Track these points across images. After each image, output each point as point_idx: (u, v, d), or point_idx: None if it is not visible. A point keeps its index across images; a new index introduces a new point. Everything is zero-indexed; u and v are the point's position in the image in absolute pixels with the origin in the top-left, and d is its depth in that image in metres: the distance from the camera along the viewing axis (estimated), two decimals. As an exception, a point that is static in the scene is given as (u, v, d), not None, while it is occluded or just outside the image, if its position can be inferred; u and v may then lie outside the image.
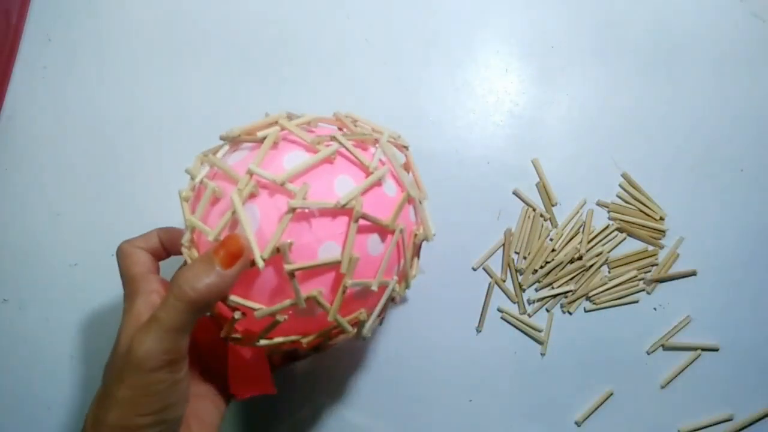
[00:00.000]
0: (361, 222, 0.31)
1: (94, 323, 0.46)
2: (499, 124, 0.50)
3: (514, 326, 0.47)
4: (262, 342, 0.33)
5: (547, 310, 0.47)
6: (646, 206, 0.48)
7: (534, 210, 0.48)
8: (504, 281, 0.47)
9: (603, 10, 0.52)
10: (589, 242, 0.47)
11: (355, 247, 0.31)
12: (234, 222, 0.30)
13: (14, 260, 0.47)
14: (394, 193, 0.34)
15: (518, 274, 0.47)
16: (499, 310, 0.47)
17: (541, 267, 0.47)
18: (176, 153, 0.49)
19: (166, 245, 0.36)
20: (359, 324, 0.34)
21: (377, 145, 0.35)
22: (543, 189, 0.49)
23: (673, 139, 0.50)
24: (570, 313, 0.47)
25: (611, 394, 0.46)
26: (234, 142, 0.34)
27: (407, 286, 0.37)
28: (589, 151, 0.49)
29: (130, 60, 0.51)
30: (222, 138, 0.34)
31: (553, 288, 0.47)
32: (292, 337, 0.33)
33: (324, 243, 0.30)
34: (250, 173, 0.30)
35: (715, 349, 0.46)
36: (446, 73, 0.51)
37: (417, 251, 0.38)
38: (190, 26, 0.51)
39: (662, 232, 0.48)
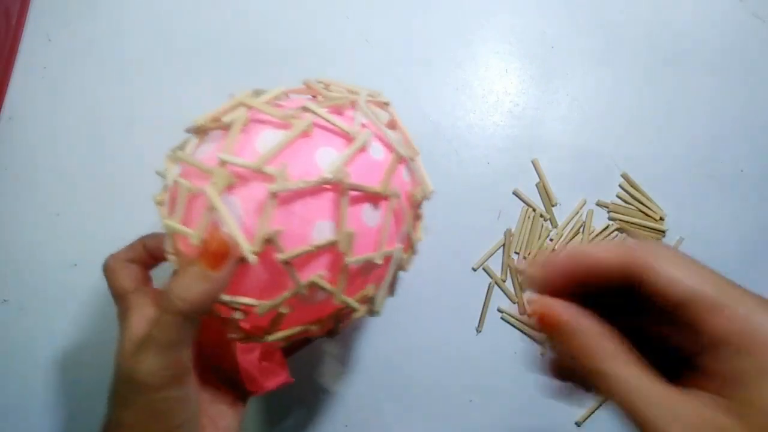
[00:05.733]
0: (352, 194, 0.28)
1: (94, 323, 0.46)
2: (499, 124, 0.50)
3: (514, 326, 0.47)
4: (271, 337, 0.31)
5: (547, 310, 0.47)
6: (646, 206, 0.48)
7: (534, 210, 0.48)
8: (504, 281, 0.47)
9: (603, 10, 0.52)
10: (589, 242, 0.47)
11: (350, 221, 0.28)
12: (217, 219, 0.28)
13: (14, 260, 0.47)
14: (382, 156, 0.31)
15: (518, 274, 0.47)
16: (499, 311, 0.47)
17: (541, 267, 0.47)
18: (176, 153, 0.49)
19: (154, 252, 0.34)
20: (369, 301, 0.32)
21: (355, 108, 0.32)
22: (543, 189, 0.49)
23: (673, 139, 0.50)
24: (570, 313, 0.47)
25: (611, 394, 0.46)
26: (200, 132, 0.31)
27: (414, 252, 0.35)
28: (589, 151, 0.49)
29: (130, 60, 0.50)
30: (187, 131, 0.31)
31: (553, 288, 0.47)
32: (302, 327, 0.31)
33: (316, 223, 0.28)
34: (222, 162, 0.28)
35: (715, 349, 0.46)
36: (446, 73, 0.51)
37: (418, 212, 0.35)
38: (190, 27, 0.51)
39: (662, 232, 0.48)
